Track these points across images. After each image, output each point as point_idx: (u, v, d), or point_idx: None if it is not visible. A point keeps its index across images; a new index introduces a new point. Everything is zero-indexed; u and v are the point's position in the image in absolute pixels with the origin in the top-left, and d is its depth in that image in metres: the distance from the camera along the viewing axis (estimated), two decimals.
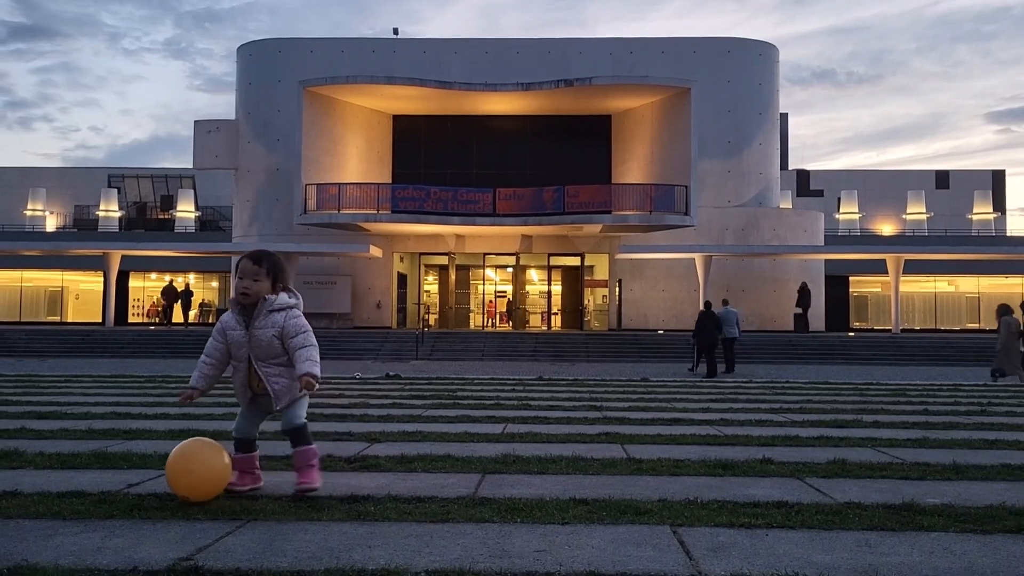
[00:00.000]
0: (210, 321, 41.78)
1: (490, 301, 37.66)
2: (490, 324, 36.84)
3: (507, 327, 35.54)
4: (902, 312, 37.10)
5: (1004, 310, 16.39)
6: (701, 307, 21.58)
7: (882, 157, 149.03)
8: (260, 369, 4.32)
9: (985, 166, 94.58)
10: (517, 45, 35.35)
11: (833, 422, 8.01)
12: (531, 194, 32.14)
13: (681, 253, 32.40)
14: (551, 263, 36.17)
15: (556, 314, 36.77)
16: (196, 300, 41.55)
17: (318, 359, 4.42)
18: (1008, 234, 56.95)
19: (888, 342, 29.24)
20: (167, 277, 41.75)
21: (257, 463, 4.50)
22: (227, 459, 4.24)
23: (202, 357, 4.46)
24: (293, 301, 4.47)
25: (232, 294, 4.48)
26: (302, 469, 4.27)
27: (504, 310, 37.37)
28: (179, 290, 38.13)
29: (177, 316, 37.75)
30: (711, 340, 20.15)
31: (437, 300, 37.58)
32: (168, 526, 3.62)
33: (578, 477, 4.92)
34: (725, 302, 22.69)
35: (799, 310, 32.41)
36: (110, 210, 53.93)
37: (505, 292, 37.72)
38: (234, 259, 38.38)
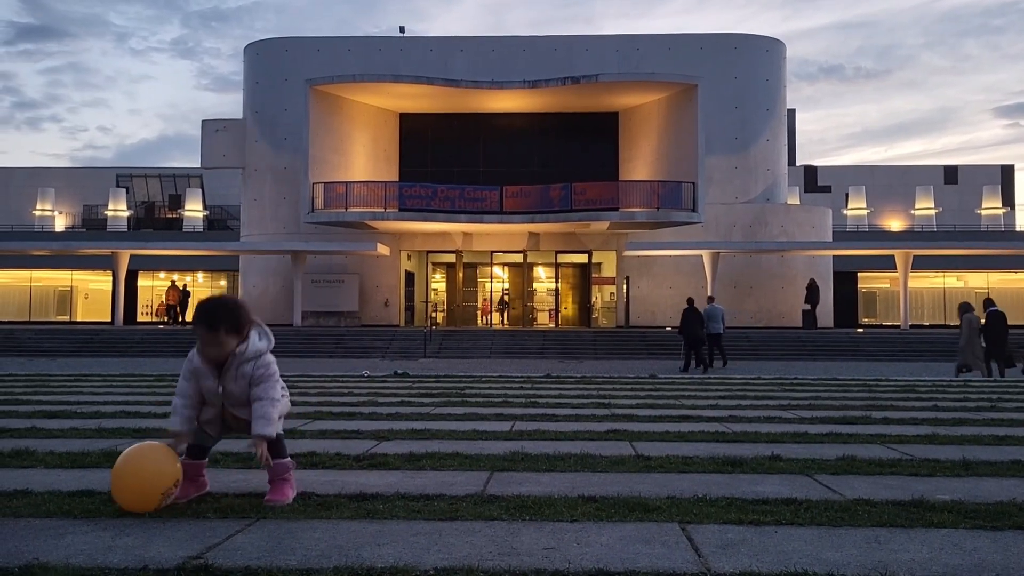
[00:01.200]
0: None
1: (484, 299, 37.44)
2: (485, 322, 36.64)
3: (504, 325, 35.43)
4: (911, 308, 36.98)
5: (965, 307, 16.88)
6: (685, 303, 22.13)
7: (890, 152, 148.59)
8: (236, 412, 4.10)
9: (994, 161, 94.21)
10: (523, 43, 35.32)
11: (842, 419, 7.99)
12: (538, 191, 32.13)
13: (688, 250, 32.35)
14: (558, 260, 36.14)
15: (564, 311, 36.74)
16: (194, 300, 41.98)
17: (275, 415, 4.02)
18: (1017, 229, 56.69)
19: (897, 338, 29.15)
20: (175, 277, 41.85)
21: (203, 469, 4.24)
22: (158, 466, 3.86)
23: (177, 399, 4.11)
24: (263, 345, 4.09)
25: (198, 346, 4.09)
26: (275, 482, 4.07)
27: (497, 307, 36.88)
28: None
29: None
30: (699, 336, 20.80)
31: (445, 298, 37.56)
32: (178, 524, 3.63)
33: (586, 474, 4.91)
34: (711, 299, 23.56)
35: (808, 306, 32.34)
36: (118, 210, 54.12)
37: (501, 289, 37.47)
38: (242, 258, 38.68)
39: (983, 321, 16.82)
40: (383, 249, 32.86)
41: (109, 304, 37.80)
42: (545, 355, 26.48)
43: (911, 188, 58.06)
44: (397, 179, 35.06)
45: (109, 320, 37.64)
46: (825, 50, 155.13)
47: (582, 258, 35.96)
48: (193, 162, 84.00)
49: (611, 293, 36.14)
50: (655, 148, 34.01)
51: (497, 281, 37.54)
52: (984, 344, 16.53)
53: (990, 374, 16.42)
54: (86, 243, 38.88)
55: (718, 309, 22.18)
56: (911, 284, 34.59)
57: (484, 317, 36.85)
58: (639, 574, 2.97)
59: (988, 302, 17.30)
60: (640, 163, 34.68)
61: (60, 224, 56.61)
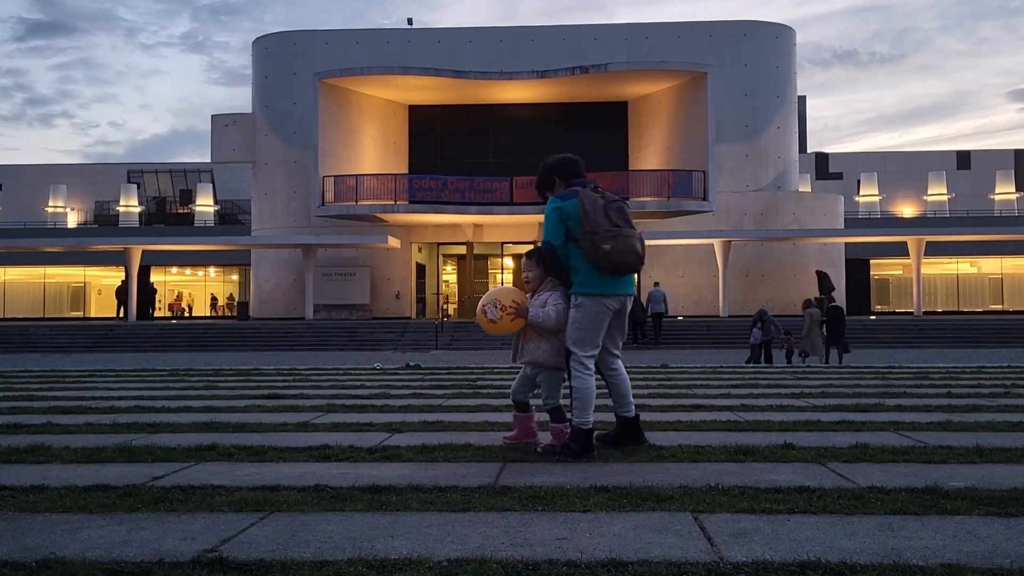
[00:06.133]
0: (226, 314, 42.00)
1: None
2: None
3: None
4: (924, 294, 36.80)
5: (808, 303, 19.47)
6: None
7: (905, 138, 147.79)
8: None
9: (1008, 145, 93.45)
10: (532, 33, 35.22)
11: (855, 406, 7.96)
12: None
13: (700, 239, 32.27)
14: None
15: None
16: (188, 299, 43.13)
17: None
18: None
19: (910, 325, 29.03)
20: (184, 271, 42.08)
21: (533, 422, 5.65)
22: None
23: None
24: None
25: None
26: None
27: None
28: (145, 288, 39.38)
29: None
30: (638, 317, 24.45)
31: (456, 290, 37.58)
32: (192, 518, 3.65)
33: (598, 465, 4.92)
34: (656, 284, 27.64)
35: (824, 296, 32.21)
36: (130, 205, 54.37)
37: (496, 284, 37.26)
38: (254, 252, 38.90)
39: (824, 315, 19.06)
40: (394, 242, 32.90)
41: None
42: None
43: (923, 174, 57.69)
44: (407, 171, 35.07)
45: (122, 316, 37.83)
46: (839, 35, 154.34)
47: None
48: (204, 157, 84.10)
49: None
50: (665, 137, 33.90)
51: (508, 272, 37.51)
52: (825, 334, 18.80)
53: (827, 360, 18.45)
54: (98, 239, 39.10)
55: (660, 292, 26.74)
56: (924, 270, 34.42)
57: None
58: (652, 564, 2.97)
59: (830, 299, 19.86)
60: (650, 152, 34.58)
61: (72, 220, 56.90)
